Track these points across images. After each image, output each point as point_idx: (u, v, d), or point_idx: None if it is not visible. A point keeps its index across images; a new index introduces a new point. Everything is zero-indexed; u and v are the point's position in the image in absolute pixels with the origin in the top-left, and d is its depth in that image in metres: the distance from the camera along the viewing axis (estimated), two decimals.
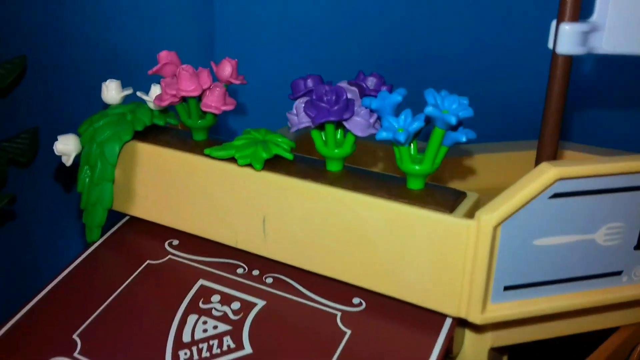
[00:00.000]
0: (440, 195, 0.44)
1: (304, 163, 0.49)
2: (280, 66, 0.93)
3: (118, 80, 0.57)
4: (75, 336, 0.49)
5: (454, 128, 0.42)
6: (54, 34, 0.84)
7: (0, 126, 0.85)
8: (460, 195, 0.45)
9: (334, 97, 0.43)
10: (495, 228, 0.41)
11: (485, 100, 0.92)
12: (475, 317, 0.43)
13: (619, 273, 0.47)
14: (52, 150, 0.55)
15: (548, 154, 0.45)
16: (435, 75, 0.93)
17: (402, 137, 0.41)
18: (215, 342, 0.46)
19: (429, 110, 0.40)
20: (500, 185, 0.61)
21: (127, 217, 0.59)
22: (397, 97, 0.42)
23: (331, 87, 0.44)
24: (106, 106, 0.57)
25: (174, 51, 0.53)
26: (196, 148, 0.53)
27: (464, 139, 0.42)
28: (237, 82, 0.53)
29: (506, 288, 0.44)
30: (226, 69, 0.52)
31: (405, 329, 0.46)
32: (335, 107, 0.43)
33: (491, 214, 0.41)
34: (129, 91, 0.57)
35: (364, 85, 0.46)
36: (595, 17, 0.41)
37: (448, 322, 0.45)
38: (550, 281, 0.45)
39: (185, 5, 0.87)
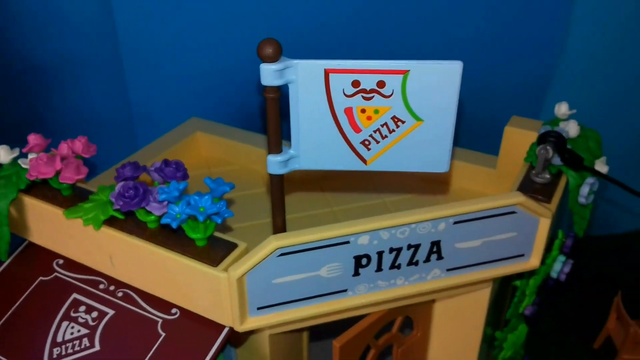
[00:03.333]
0: (215, 250, 0.66)
1: (133, 221, 0.71)
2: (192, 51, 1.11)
3: (6, 145, 0.76)
4: None
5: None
6: None
7: None
8: (231, 248, 0.67)
9: (133, 192, 0.63)
10: (241, 278, 0.64)
11: None
12: (238, 328, 0.67)
13: (345, 290, 0.70)
14: None
15: (277, 226, 0.66)
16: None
17: (175, 224, 0.62)
18: (77, 342, 0.70)
19: (187, 211, 0.61)
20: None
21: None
22: (175, 192, 0.63)
23: (134, 184, 0.64)
24: None
25: (40, 134, 0.73)
26: (63, 202, 0.74)
27: (219, 221, 0.63)
28: (87, 155, 0.72)
29: (259, 308, 0.67)
30: (77, 145, 0.72)
31: (202, 330, 0.69)
32: (135, 200, 0.63)
33: (236, 270, 0.63)
34: (15, 154, 0.77)
35: (163, 175, 0.66)
36: (292, 149, 0.60)
37: (227, 327, 0.69)
38: (291, 301, 0.68)
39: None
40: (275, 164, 0.60)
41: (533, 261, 0.75)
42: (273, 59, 0.54)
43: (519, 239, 0.73)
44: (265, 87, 0.56)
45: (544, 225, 0.72)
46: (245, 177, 0.99)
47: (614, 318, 1.16)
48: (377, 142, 0.60)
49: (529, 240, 0.74)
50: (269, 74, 0.55)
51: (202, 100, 1.15)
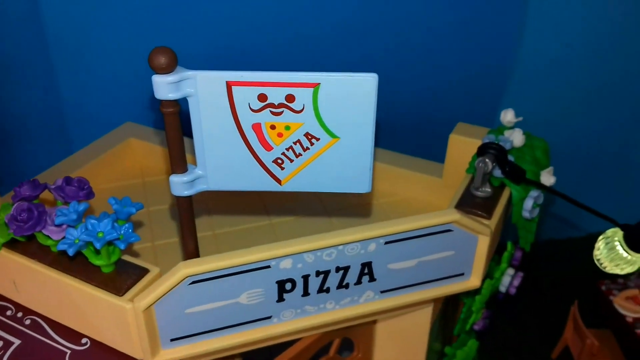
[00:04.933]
0: (122, 277, 0.60)
1: (36, 244, 0.64)
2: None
3: None
4: None
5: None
6: None
7: None
8: (142, 273, 0.61)
9: (26, 215, 0.57)
10: (148, 308, 0.58)
11: None
12: None
13: (269, 317, 0.65)
14: None
15: (189, 251, 0.60)
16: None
17: (71, 251, 0.56)
18: None
19: (83, 237, 0.55)
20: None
21: None
22: (73, 214, 0.57)
23: (28, 205, 0.58)
24: None
25: None
26: None
27: (122, 247, 0.57)
28: None
29: (172, 339, 0.62)
30: None
31: None
32: (28, 224, 0.57)
33: (142, 301, 0.57)
34: None
35: (63, 194, 0.60)
36: (198, 168, 0.55)
37: None
38: (208, 331, 0.62)
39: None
40: (179, 185, 0.55)
41: (473, 280, 0.71)
42: (167, 70, 0.49)
43: (457, 258, 0.68)
44: (161, 101, 0.51)
45: (483, 243, 0.68)
46: None
47: (571, 328, 1.12)
48: (291, 160, 0.54)
49: (468, 259, 0.69)
50: (163, 86, 0.49)
51: (139, 104, 1.08)
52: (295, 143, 0.53)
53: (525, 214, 0.74)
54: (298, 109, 0.51)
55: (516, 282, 0.88)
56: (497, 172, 0.72)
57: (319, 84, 0.49)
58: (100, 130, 1.04)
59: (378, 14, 1.06)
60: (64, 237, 0.58)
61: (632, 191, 1.31)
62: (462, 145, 0.84)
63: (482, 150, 0.69)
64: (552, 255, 1.38)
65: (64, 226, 0.59)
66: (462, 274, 0.70)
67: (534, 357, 1.19)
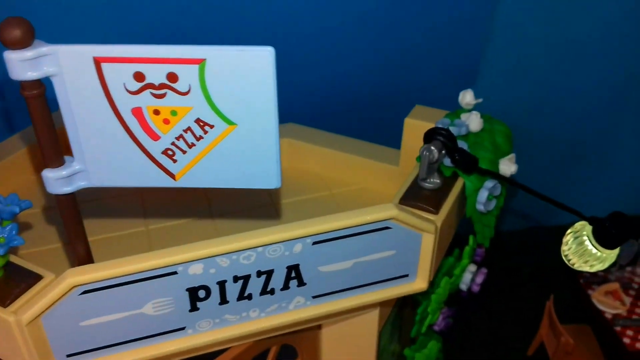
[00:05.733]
0: (10, 285, 0.53)
1: None
2: None
3: None
4: None
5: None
6: None
7: None
8: (33, 281, 0.54)
9: None
10: (35, 321, 0.51)
11: None
12: None
13: (182, 328, 0.57)
14: None
15: (80, 256, 0.53)
16: None
17: None
18: None
19: None
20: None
21: None
22: None
23: None
24: None
25: None
26: None
27: (1, 252, 0.50)
28: None
29: (69, 355, 0.54)
30: None
31: None
32: None
33: (25, 314, 0.50)
34: None
35: None
36: (75, 162, 0.47)
37: None
38: (110, 345, 0.55)
39: None
40: (54, 181, 0.47)
41: (419, 282, 0.63)
42: (21, 45, 0.41)
43: (399, 258, 0.61)
44: (20, 82, 0.43)
45: (428, 241, 0.60)
46: None
47: (546, 324, 1.05)
48: (184, 152, 0.46)
49: (412, 259, 0.61)
50: (18, 64, 0.41)
51: None
52: (185, 131, 0.45)
53: (480, 207, 0.66)
54: (183, 91, 0.43)
55: (479, 279, 0.80)
56: (448, 161, 0.64)
57: (205, 60, 0.41)
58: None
59: None
60: None
61: (608, 179, 1.23)
62: (419, 129, 0.75)
63: (429, 137, 0.62)
64: (531, 244, 1.30)
65: None
66: (407, 276, 0.63)
67: (509, 353, 1.12)
